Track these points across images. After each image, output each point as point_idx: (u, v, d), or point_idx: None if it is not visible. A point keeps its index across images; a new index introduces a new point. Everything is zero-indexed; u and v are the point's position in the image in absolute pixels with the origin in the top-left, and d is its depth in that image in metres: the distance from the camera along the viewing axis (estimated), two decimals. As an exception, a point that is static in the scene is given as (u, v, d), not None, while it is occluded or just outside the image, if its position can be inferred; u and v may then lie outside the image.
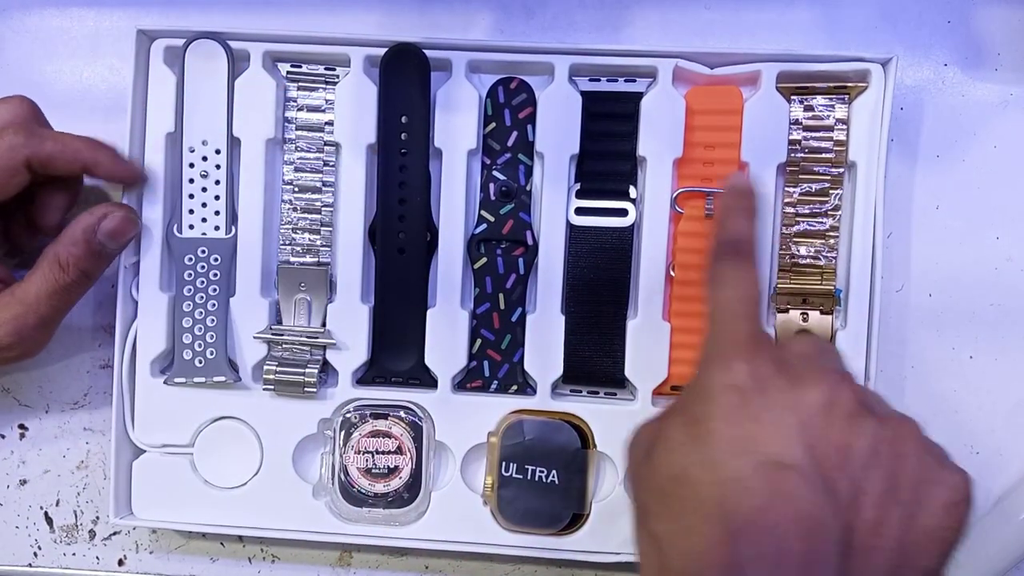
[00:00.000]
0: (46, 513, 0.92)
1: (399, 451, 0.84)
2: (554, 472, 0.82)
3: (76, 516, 0.92)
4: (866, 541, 0.57)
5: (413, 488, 0.84)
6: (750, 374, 0.61)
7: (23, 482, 0.92)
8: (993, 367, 0.86)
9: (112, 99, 0.90)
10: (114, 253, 0.81)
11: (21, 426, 0.91)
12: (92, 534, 0.92)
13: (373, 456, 0.84)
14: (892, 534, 0.57)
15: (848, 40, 0.86)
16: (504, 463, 0.83)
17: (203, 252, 0.84)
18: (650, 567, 0.62)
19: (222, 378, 0.85)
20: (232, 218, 0.85)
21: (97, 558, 0.92)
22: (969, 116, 0.86)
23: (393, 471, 0.84)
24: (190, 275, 0.84)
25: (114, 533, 0.92)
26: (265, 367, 0.84)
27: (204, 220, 0.84)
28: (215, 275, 0.85)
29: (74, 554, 0.92)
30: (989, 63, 0.86)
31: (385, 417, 0.85)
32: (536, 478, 0.82)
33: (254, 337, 0.85)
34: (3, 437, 0.92)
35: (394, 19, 0.88)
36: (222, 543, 0.91)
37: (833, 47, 0.85)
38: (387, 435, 0.84)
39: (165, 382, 0.85)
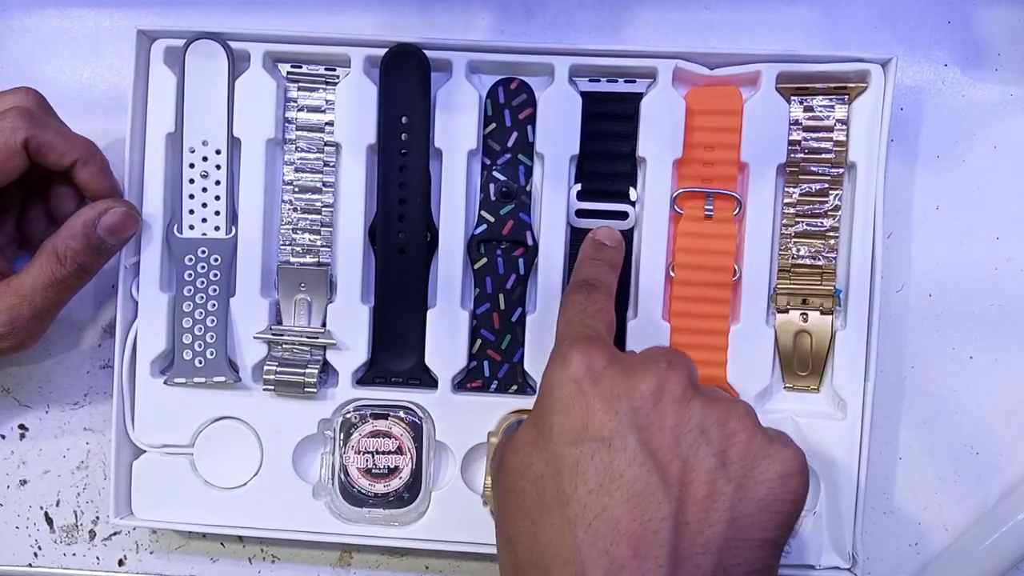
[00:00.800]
0: (46, 513, 0.92)
1: (399, 451, 0.84)
2: (554, 472, 0.82)
3: (76, 516, 0.92)
4: (698, 516, 0.59)
5: (413, 488, 0.84)
6: (585, 365, 0.63)
7: (23, 482, 0.92)
8: (993, 367, 0.86)
9: (112, 99, 0.90)
10: (114, 249, 0.81)
11: (21, 426, 0.91)
12: (92, 534, 0.92)
13: (373, 456, 0.84)
14: (723, 508, 0.60)
15: (848, 40, 0.86)
16: (504, 463, 0.83)
17: (203, 252, 0.84)
18: (507, 571, 0.65)
19: (222, 378, 0.85)
20: (232, 218, 0.85)
21: (97, 558, 0.92)
22: (969, 116, 0.86)
23: (393, 471, 0.84)
24: (190, 275, 0.84)
25: (114, 533, 0.92)
26: (265, 367, 0.84)
27: (204, 220, 0.84)
28: (215, 275, 0.85)
29: (74, 554, 0.92)
30: (989, 63, 0.86)
31: (385, 417, 0.85)
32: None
33: (254, 337, 0.85)
34: (3, 437, 0.92)
35: (394, 19, 0.88)
36: (222, 543, 0.91)
37: (833, 47, 0.86)
38: (387, 435, 0.84)
39: (165, 382, 0.85)
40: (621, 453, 0.59)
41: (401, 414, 0.85)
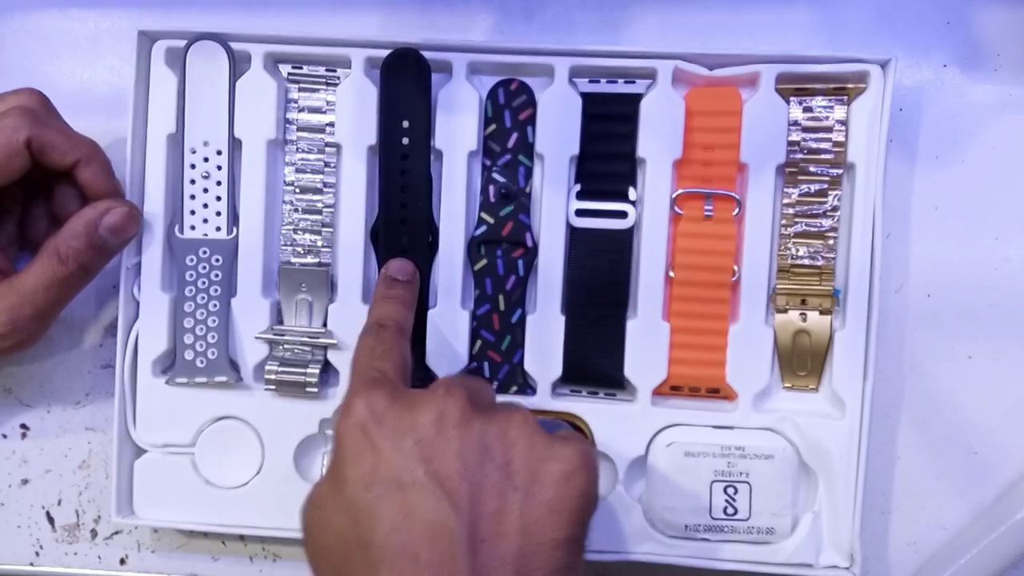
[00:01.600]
0: (48, 512, 0.92)
1: None
2: (553, 471, 0.82)
3: (78, 515, 0.92)
4: (492, 531, 0.60)
5: None
6: (368, 409, 0.64)
7: (25, 481, 0.92)
8: (992, 367, 0.86)
9: (112, 99, 0.89)
10: (115, 249, 0.81)
11: (23, 426, 0.92)
12: (94, 533, 0.92)
13: None
14: (514, 517, 0.61)
15: (847, 41, 0.86)
16: (504, 463, 0.83)
17: (204, 253, 0.84)
18: None
19: (223, 378, 0.85)
20: (233, 219, 0.85)
21: (99, 557, 0.92)
22: (968, 117, 0.86)
23: None
24: (191, 275, 0.85)
25: (116, 532, 0.92)
26: (266, 367, 0.84)
27: (205, 221, 0.84)
28: (216, 275, 0.85)
29: (76, 553, 0.92)
30: (988, 64, 0.86)
31: None
32: (536, 478, 0.82)
33: (255, 337, 0.85)
34: (5, 437, 0.92)
35: (394, 20, 0.88)
36: (223, 542, 0.91)
37: (832, 47, 0.86)
38: None
39: (167, 382, 0.85)
40: (411, 488, 0.60)
41: None
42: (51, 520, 0.92)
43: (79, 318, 0.90)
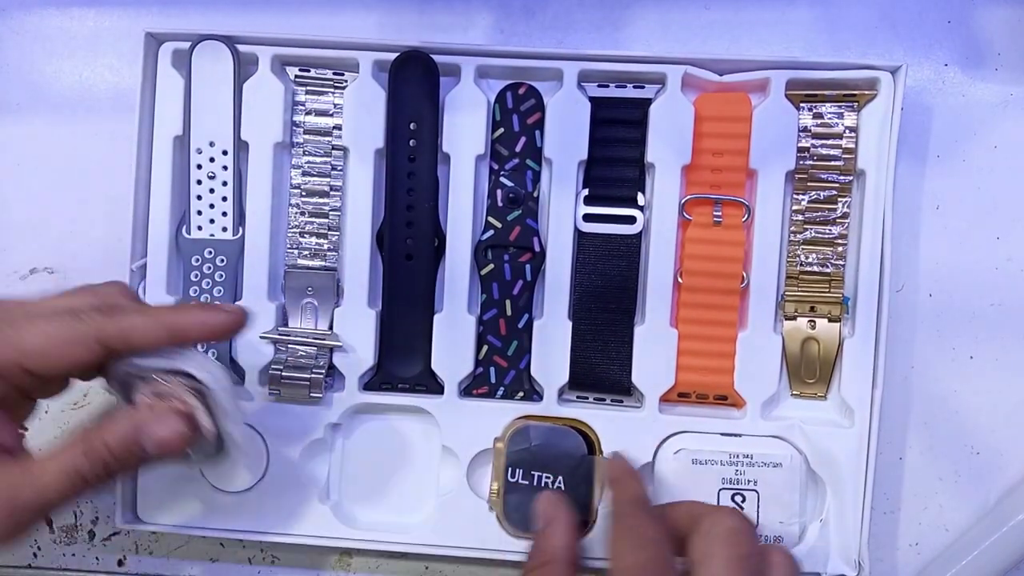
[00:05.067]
0: (46, 514, 0.92)
1: None
2: (560, 478, 0.82)
3: (75, 517, 0.91)
4: None
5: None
6: None
7: (23, 483, 0.91)
8: (993, 367, 0.86)
9: (112, 99, 0.89)
10: (153, 463, 0.71)
11: (21, 426, 0.91)
12: (92, 535, 0.91)
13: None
14: None
15: (848, 40, 0.86)
16: (510, 469, 0.82)
17: (210, 253, 0.84)
18: None
19: (223, 379, 0.84)
20: (239, 219, 0.85)
21: (97, 559, 0.92)
22: (969, 116, 0.86)
23: None
24: (196, 275, 0.84)
25: (114, 534, 0.91)
26: (271, 371, 0.84)
27: (212, 221, 0.84)
28: (220, 276, 0.84)
29: (73, 554, 0.92)
30: (989, 63, 0.86)
31: None
32: (542, 484, 0.82)
33: (260, 337, 0.85)
34: (3, 437, 0.91)
35: (394, 19, 0.88)
36: (222, 544, 0.91)
37: (833, 47, 0.86)
38: None
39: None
40: None
41: None
42: (49, 521, 0.91)
43: (78, 318, 0.89)
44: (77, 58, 0.90)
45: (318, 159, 0.84)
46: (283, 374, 0.83)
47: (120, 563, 0.92)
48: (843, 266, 0.82)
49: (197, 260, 0.84)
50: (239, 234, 0.85)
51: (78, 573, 0.92)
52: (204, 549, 0.91)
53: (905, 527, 0.87)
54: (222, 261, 0.84)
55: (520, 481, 0.82)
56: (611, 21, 0.88)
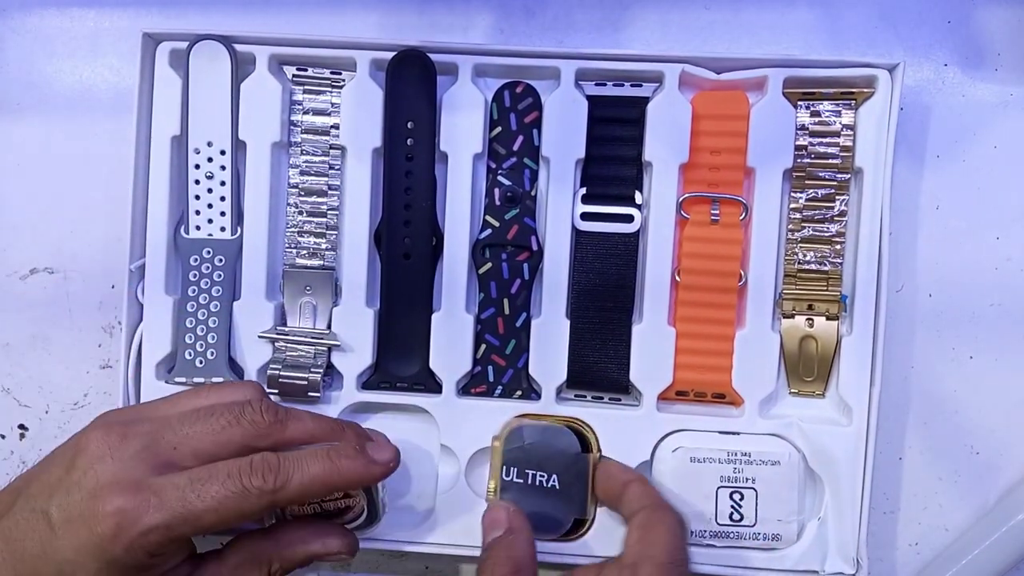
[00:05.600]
0: (47, 514, 0.92)
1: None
2: (554, 477, 0.82)
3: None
4: None
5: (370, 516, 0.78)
6: None
7: (24, 483, 0.91)
8: (993, 367, 0.86)
9: (112, 99, 0.89)
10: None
11: (21, 426, 0.91)
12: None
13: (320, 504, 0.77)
14: None
15: (848, 40, 0.86)
16: (506, 468, 0.82)
17: (208, 253, 0.84)
18: None
19: (221, 379, 0.85)
20: (237, 219, 0.85)
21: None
22: (969, 116, 0.86)
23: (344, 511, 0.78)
24: (194, 275, 0.84)
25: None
26: (269, 371, 0.84)
27: (210, 221, 0.84)
28: (219, 276, 0.84)
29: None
30: (989, 63, 0.86)
31: None
32: (536, 483, 0.82)
33: (259, 336, 0.85)
34: (3, 437, 0.91)
35: (394, 19, 0.88)
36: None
37: (833, 47, 0.86)
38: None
39: (167, 381, 0.85)
40: None
41: None
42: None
43: (78, 318, 0.89)
44: (77, 58, 0.90)
45: (316, 158, 0.84)
46: (281, 373, 0.83)
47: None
48: (841, 264, 0.82)
49: (195, 260, 0.84)
50: (237, 234, 0.85)
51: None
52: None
53: (904, 527, 0.87)
54: (220, 261, 0.84)
55: (515, 480, 0.82)
56: (611, 22, 0.88)
